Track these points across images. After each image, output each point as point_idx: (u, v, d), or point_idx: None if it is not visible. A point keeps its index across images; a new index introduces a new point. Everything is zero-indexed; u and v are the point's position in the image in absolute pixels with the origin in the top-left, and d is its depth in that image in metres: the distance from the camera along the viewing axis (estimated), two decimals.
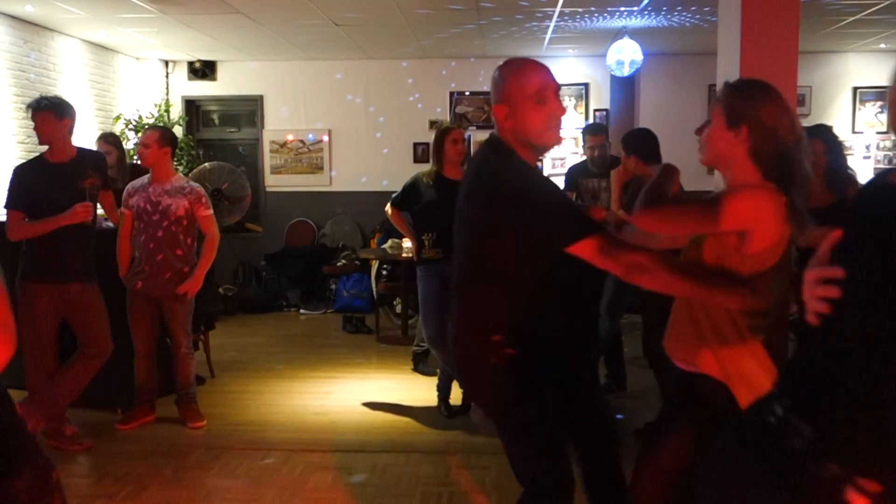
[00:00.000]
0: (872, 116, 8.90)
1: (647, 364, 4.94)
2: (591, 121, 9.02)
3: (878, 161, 8.87)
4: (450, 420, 4.88)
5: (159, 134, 4.67)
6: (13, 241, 4.22)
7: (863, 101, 8.92)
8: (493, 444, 4.38)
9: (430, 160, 5.02)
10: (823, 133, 4.20)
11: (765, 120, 2.19)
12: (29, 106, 4.22)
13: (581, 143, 9.09)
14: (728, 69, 4.29)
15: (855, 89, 8.93)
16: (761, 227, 2.15)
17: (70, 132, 4.26)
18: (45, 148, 4.29)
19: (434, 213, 4.79)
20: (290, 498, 3.69)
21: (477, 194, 2.41)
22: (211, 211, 4.77)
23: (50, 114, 4.14)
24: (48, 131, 4.16)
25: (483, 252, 2.41)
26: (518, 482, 2.53)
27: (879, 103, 8.88)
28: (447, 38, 8.01)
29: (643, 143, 4.49)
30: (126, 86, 8.72)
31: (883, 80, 8.82)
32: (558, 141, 2.44)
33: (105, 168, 4.55)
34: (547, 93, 2.34)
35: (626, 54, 7.22)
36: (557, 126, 2.39)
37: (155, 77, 9.17)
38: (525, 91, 2.33)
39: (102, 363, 4.34)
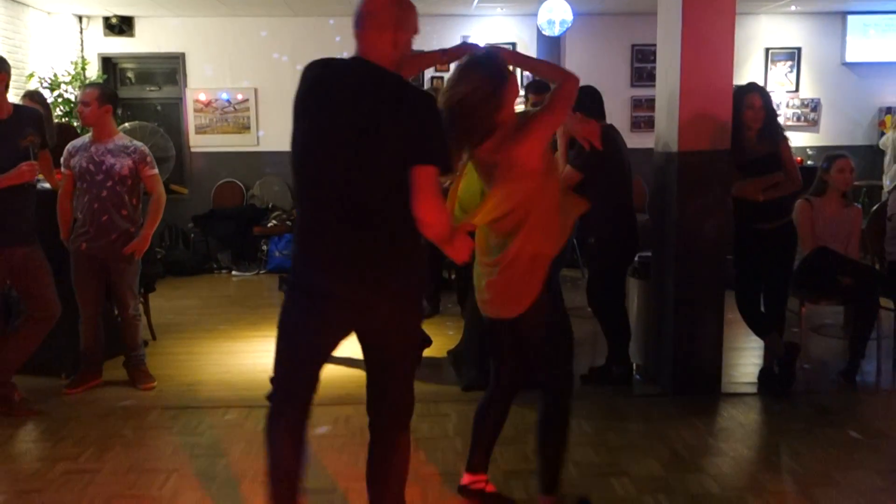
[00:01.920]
0: (783, 76, 9.37)
1: (588, 314, 5.15)
2: (520, 80, 9.15)
3: (787, 119, 9.36)
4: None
5: (100, 91, 4.52)
6: None
7: (774, 62, 9.37)
8: (448, 392, 4.55)
9: None
10: (761, 90, 4.47)
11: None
12: None
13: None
14: (669, 30, 4.47)
15: (767, 50, 9.36)
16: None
17: (6, 88, 4.08)
18: None
19: None
20: (258, 451, 3.70)
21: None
22: (156, 170, 4.68)
23: None
24: None
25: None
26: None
27: (789, 63, 9.35)
28: None
29: (589, 101, 4.61)
30: (38, 42, 8.30)
31: (792, 41, 9.30)
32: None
33: (43, 125, 4.38)
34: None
35: (557, 14, 7.35)
36: None
37: (68, 33, 8.76)
38: (415, 27, 2.49)
39: (51, 326, 4.23)
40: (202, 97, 9.07)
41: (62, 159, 4.58)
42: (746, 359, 5.13)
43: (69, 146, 4.61)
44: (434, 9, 8.65)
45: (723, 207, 4.41)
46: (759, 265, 4.50)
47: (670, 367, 4.50)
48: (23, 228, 4.11)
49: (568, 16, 7.36)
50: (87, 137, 4.60)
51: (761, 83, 9.15)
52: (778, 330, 4.60)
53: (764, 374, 4.65)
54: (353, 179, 2.36)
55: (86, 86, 4.78)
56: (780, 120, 9.10)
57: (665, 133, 4.53)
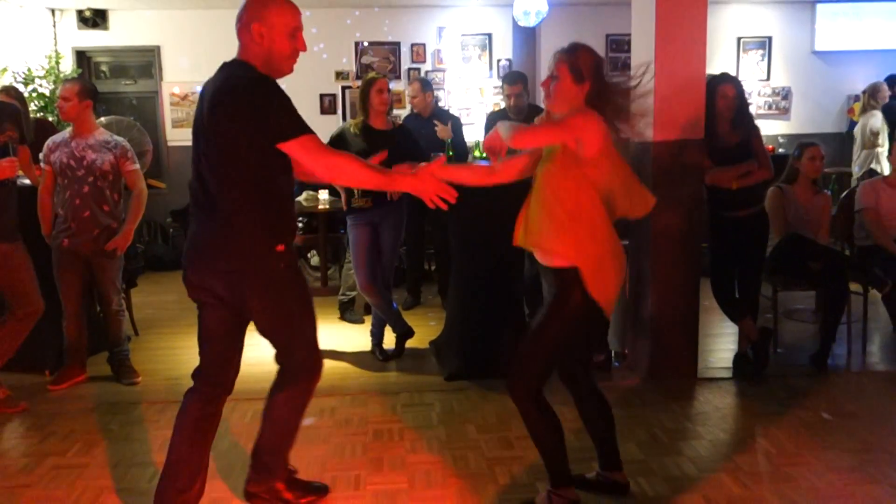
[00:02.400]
0: (754, 65, 9.51)
1: None
2: (494, 71, 9.22)
3: (759, 107, 9.51)
4: (384, 363, 5.05)
5: (80, 86, 4.52)
6: None
7: (745, 50, 9.51)
8: (432, 382, 4.62)
9: (357, 111, 5.07)
10: (733, 80, 4.56)
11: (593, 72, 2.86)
12: None
13: (486, 92, 9.33)
14: (643, 21, 4.55)
15: (738, 39, 9.49)
16: (588, 134, 2.72)
17: None
18: None
19: None
20: (246, 443, 3.78)
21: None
22: (137, 165, 4.69)
23: None
24: None
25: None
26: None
27: (760, 52, 9.49)
28: None
29: None
30: (9, 36, 8.21)
31: (763, 30, 9.43)
32: (291, 71, 2.80)
33: (20, 120, 4.37)
34: (299, 32, 2.77)
35: (532, 4, 7.40)
36: (295, 59, 2.78)
37: (41, 26, 8.67)
38: (288, 23, 2.72)
39: (34, 323, 4.24)
40: (176, 90, 9.02)
41: (42, 155, 4.58)
42: (722, 344, 5.25)
43: (49, 141, 4.60)
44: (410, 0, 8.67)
45: (697, 196, 4.51)
46: (733, 252, 4.61)
47: (648, 353, 4.60)
48: (4, 225, 4.10)
49: (543, 6, 7.42)
50: (66, 133, 4.60)
51: (733, 72, 9.35)
52: (752, 315, 4.72)
53: (738, 359, 4.77)
54: (200, 171, 2.69)
55: (65, 81, 4.76)
56: (752, 108, 9.31)
57: (641, 123, 4.60)
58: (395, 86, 9.02)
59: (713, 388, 4.48)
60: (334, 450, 3.72)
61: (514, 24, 8.25)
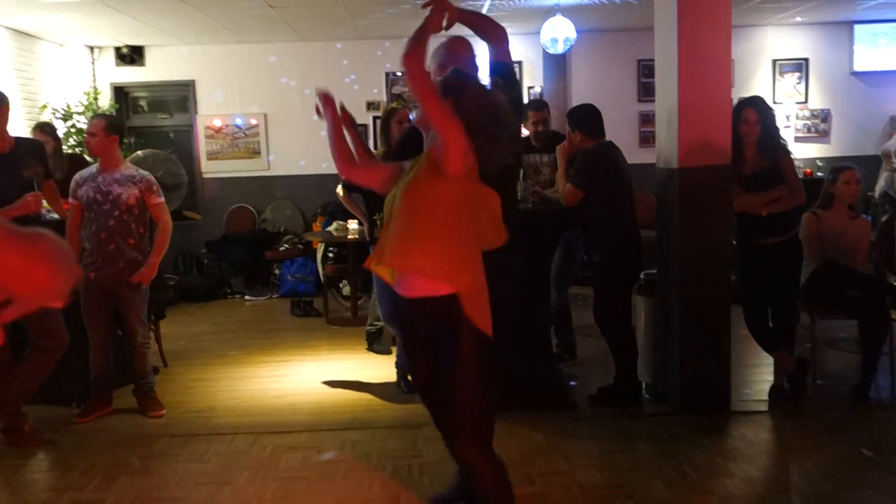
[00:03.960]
0: (791, 87, 9.33)
1: (594, 332, 5.12)
2: (526, 99, 9.18)
3: (797, 130, 9.31)
4: (410, 395, 4.98)
5: (106, 122, 4.59)
6: None
7: (782, 73, 9.33)
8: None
9: (378, 142, 5.07)
10: (756, 103, 4.44)
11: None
12: None
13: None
14: (665, 45, 4.47)
15: (774, 61, 9.33)
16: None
17: (6, 121, 4.15)
18: None
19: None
20: (263, 478, 3.74)
21: None
22: (162, 199, 4.72)
23: None
24: None
25: None
26: None
27: (797, 74, 9.31)
28: (382, 18, 8.03)
29: (588, 119, 4.64)
30: (51, 74, 8.44)
31: (799, 52, 9.26)
32: None
33: (45, 156, 4.45)
34: None
35: (560, 32, 7.37)
36: None
37: (81, 64, 8.90)
38: None
39: (59, 356, 4.27)
40: (217, 123, 9.16)
41: (70, 189, 4.64)
42: (758, 375, 5.07)
43: (76, 176, 4.67)
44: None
45: (725, 223, 4.38)
46: (765, 280, 4.46)
47: (678, 385, 4.46)
48: None
49: (571, 33, 7.38)
50: (94, 168, 4.66)
51: (769, 95, 9.20)
52: (787, 345, 4.56)
53: (774, 391, 4.59)
54: None
55: (92, 117, 4.84)
56: (790, 132, 9.13)
57: (665, 149, 4.52)
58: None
59: (747, 421, 4.31)
60: (353, 486, 3.64)
61: (545, 51, 8.22)
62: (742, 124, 4.37)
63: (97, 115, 4.80)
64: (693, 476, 3.61)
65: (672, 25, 4.34)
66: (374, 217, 4.92)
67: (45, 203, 4.60)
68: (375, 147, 8.68)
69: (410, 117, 5.10)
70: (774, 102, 9.26)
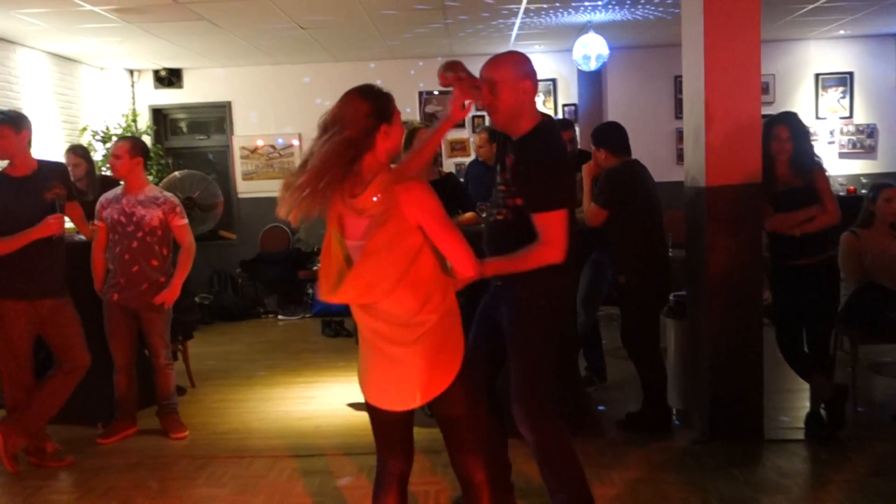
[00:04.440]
0: (835, 102, 9.06)
1: (625, 355, 4.97)
2: (559, 116, 9.08)
3: (842, 146, 9.03)
4: (432, 419, 4.88)
5: (130, 144, 4.63)
6: None
7: (825, 87, 9.07)
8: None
9: None
10: (788, 119, 4.28)
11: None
12: None
13: None
14: (693, 61, 4.35)
15: (817, 76, 9.08)
16: None
17: (29, 144, 4.21)
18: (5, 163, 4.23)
19: None
20: (278, 502, 3.69)
21: None
22: (185, 220, 4.74)
23: (8, 128, 4.08)
24: (8, 146, 4.10)
25: None
26: None
27: (841, 89, 9.05)
28: (414, 38, 8.03)
29: (612, 137, 4.54)
30: (91, 97, 8.62)
31: (843, 66, 9.00)
32: None
33: (68, 178, 4.50)
34: None
35: (592, 49, 7.27)
36: None
37: (120, 87, 9.07)
38: None
39: (81, 377, 4.29)
40: (260, 143, 9.26)
41: (96, 211, 4.69)
42: (795, 402, 4.86)
43: (101, 198, 4.71)
44: (472, 48, 8.67)
45: (755, 244, 4.22)
46: (800, 302, 4.28)
47: (708, 411, 4.29)
48: (51, 281, 4.19)
49: (604, 50, 7.28)
50: (118, 189, 4.70)
51: (812, 110, 8.96)
52: (824, 370, 4.36)
53: (811, 419, 4.39)
54: None
55: (117, 139, 4.89)
56: (834, 148, 8.87)
57: (693, 167, 4.39)
58: (458, 133, 9.05)
59: (781, 450, 4.13)
60: None
61: (578, 69, 8.13)
62: (773, 141, 4.22)
63: (122, 138, 4.84)
64: None
65: (699, 40, 4.22)
66: None
67: (70, 224, 4.66)
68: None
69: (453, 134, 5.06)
70: (818, 118, 9.03)
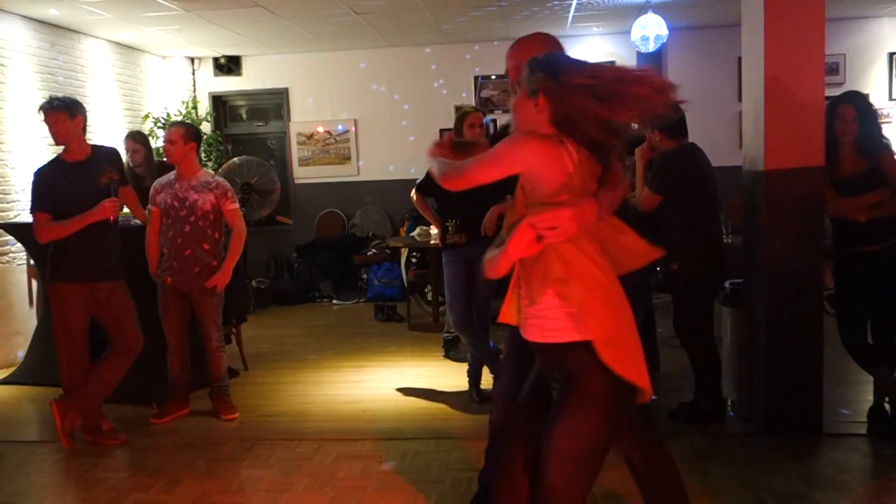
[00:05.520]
0: None
1: (679, 343, 4.84)
2: None
3: None
4: (481, 405, 4.85)
5: (184, 130, 4.69)
6: (43, 243, 4.27)
7: None
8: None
9: None
10: (854, 99, 4.07)
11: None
12: (40, 108, 4.23)
13: None
14: (752, 40, 4.18)
15: (891, 55, 8.65)
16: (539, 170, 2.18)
17: (84, 130, 4.29)
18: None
19: (458, 198, 4.71)
20: (320, 486, 3.70)
21: None
22: (237, 205, 4.79)
23: (63, 113, 4.16)
24: (63, 131, 4.19)
25: None
26: None
27: None
28: (468, 21, 7.95)
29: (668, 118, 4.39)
30: (153, 84, 8.81)
31: None
32: None
33: (121, 162, 4.58)
34: None
35: (651, 29, 7.08)
36: None
37: (181, 74, 9.25)
38: None
39: (134, 358, 4.39)
40: (320, 129, 9.33)
41: (150, 196, 4.77)
42: (858, 394, 4.66)
43: (155, 184, 4.79)
44: (529, 31, 8.52)
45: (817, 230, 4.04)
46: (864, 292, 4.08)
47: (764, 403, 4.14)
48: (107, 264, 4.29)
49: (663, 31, 7.08)
50: (172, 174, 4.77)
51: (885, 91, 8.56)
52: (890, 363, 4.16)
53: (874, 412, 4.19)
54: None
55: (171, 124, 4.96)
56: None
57: (752, 150, 4.22)
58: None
59: (840, 445, 3.95)
60: (408, 498, 3.55)
61: (637, 51, 7.93)
62: (837, 122, 4.02)
63: (175, 123, 4.91)
64: None
65: (759, 15, 4.04)
66: (447, 223, 4.82)
67: (125, 209, 4.75)
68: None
69: (485, 121, 4.99)
70: (891, 99, 8.62)
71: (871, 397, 4.32)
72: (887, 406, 4.14)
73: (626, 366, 2.11)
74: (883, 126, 4.34)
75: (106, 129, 7.70)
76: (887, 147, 4.09)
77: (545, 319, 2.19)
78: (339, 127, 9.31)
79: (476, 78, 9.11)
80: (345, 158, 9.35)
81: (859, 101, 4.05)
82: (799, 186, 3.99)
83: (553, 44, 2.86)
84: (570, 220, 2.13)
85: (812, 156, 3.98)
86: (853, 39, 8.57)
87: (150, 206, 4.74)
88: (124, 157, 5.66)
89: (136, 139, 6.04)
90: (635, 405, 2.24)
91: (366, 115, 9.29)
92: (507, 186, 5.03)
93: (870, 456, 3.89)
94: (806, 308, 4.07)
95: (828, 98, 4.06)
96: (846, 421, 4.30)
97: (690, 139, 4.42)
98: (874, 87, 8.49)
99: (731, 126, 8.48)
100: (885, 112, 8.36)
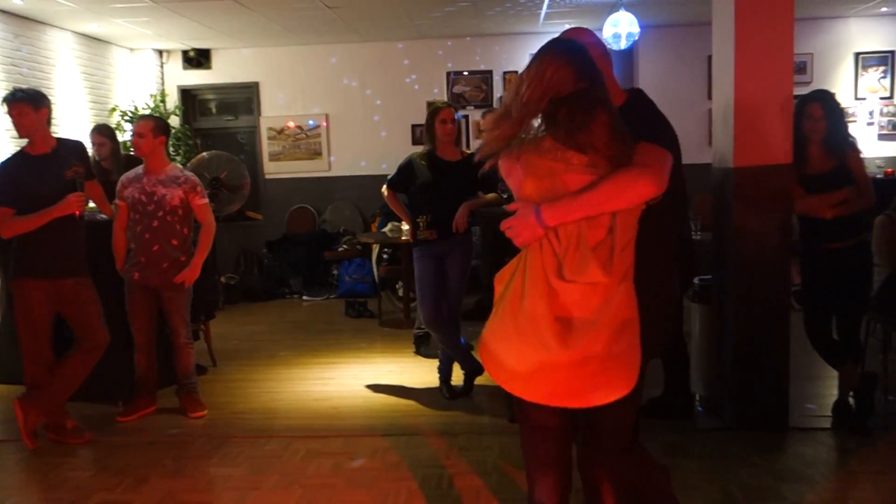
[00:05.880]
0: (875, 82, 8.78)
1: None
2: None
3: (882, 127, 8.75)
4: (451, 402, 4.85)
5: (154, 123, 4.61)
6: (6, 238, 4.17)
7: (865, 67, 8.78)
8: (495, 424, 4.37)
9: (424, 139, 4.97)
10: (823, 98, 4.12)
11: None
12: (4, 99, 4.14)
13: None
14: (723, 38, 4.21)
15: (857, 55, 8.79)
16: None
17: (49, 123, 4.20)
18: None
19: (429, 194, 4.74)
20: (290, 484, 3.67)
21: None
22: (206, 200, 4.72)
23: (27, 105, 4.07)
24: (27, 123, 4.09)
25: None
26: None
27: (882, 68, 8.75)
28: (442, 17, 7.92)
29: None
30: (121, 77, 8.67)
31: (885, 44, 8.70)
32: None
33: (87, 156, 4.50)
34: None
35: (623, 27, 7.10)
36: None
37: (149, 67, 9.11)
38: None
39: (100, 355, 4.31)
40: (291, 124, 9.25)
41: (117, 190, 4.69)
42: (823, 389, 4.72)
43: (122, 178, 4.71)
44: (501, 28, 8.55)
45: (784, 227, 4.09)
46: (829, 288, 4.13)
47: (732, 398, 4.18)
48: (72, 260, 4.21)
49: (634, 28, 7.11)
50: (139, 169, 4.70)
51: (851, 90, 8.68)
52: (854, 358, 4.22)
53: (839, 407, 4.26)
54: None
55: (140, 117, 4.88)
56: (873, 129, 8.59)
57: (721, 147, 4.26)
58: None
59: (806, 439, 4.01)
60: (377, 495, 3.53)
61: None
62: (805, 120, 4.07)
63: (144, 117, 4.82)
64: (738, 498, 3.35)
65: (730, 14, 4.07)
66: (418, 219, 4.80)
67: (91, 204, 4.67)
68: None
69: (456, 116, 4.97)
70: (857, 98, 8.76)
71: (836, 392, 4.39)
72: (851, 400, 4.20)
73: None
74: (849, 125, 4.41)
75: (72, 123, 7.56)
76: (853, 145, 4.15)
77: None
78: (311, 122, 9.25)
79: (448, 74, 9.10)
80: (316, 153, 9.28)
81: (827, 100, 4.10)
82: (768, 184, 4.03)
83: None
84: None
85: (780, 154, 4.03)
86: (820, 39, 8.69)
87: (116, 201, 4.66)
88: (90, 150, 5.56)
89: (103, 133, 5.94)
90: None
91: (337, 111, 9.23)
92: (478, 184, 5.04)
93: (835, 450, 3.94)
94: (774, 304, 4.12)
95: (796, 97, 4.11)
96: (812, 415, 4.36)
97: None
98: (840, 87, 8.61)
99: (700, 124, 8.55)
100: (851, 111, 8.48)
